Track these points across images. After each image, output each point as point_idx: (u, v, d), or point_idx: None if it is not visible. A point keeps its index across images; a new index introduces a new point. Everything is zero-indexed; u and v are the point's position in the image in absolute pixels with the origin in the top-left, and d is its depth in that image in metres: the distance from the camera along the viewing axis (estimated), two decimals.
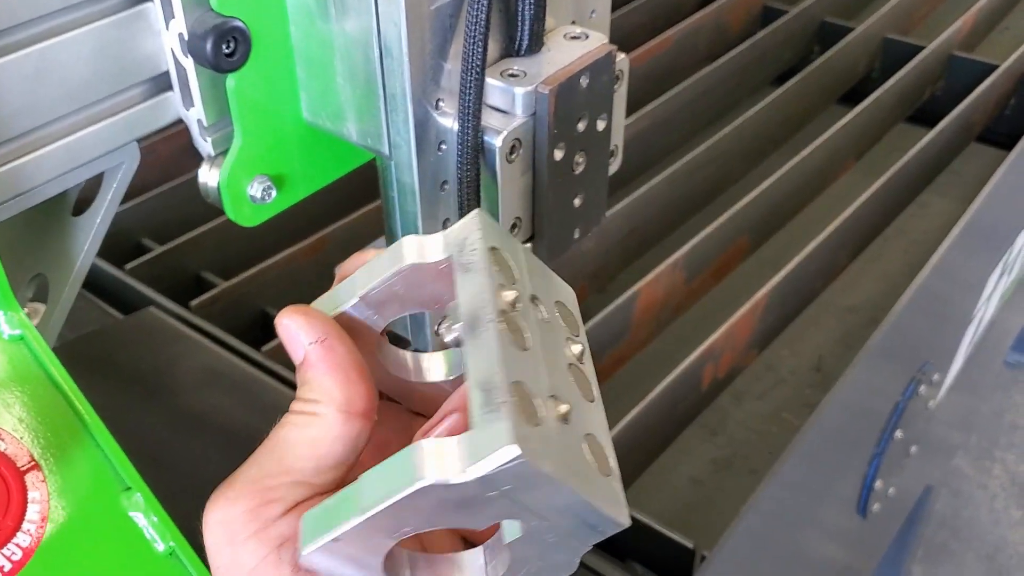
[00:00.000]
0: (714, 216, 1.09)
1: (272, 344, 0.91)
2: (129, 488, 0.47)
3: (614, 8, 1.45)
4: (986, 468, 2.34)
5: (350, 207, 1.07)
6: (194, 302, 0.96)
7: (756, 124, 1.27)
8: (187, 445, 0.80)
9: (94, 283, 1.00)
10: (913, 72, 1.36)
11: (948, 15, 1.59)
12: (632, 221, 1.13)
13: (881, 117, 1.36)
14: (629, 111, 1.26)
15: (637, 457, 0.89)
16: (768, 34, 1.41)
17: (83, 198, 0.55)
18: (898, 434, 1.07)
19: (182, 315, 0.92)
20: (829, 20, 1.51)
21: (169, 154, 1.13)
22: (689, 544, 0.74)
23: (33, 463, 0.44)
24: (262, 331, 1.01)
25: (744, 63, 1.38)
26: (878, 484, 1.09)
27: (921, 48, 1.40)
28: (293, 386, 0.84)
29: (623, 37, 1.42)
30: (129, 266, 1.01)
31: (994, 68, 1.36)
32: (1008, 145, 1.25)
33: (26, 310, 0.55)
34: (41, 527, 0.44)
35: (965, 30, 1.48)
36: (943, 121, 1.27)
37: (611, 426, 0.81)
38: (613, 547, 0.78)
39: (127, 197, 1.10)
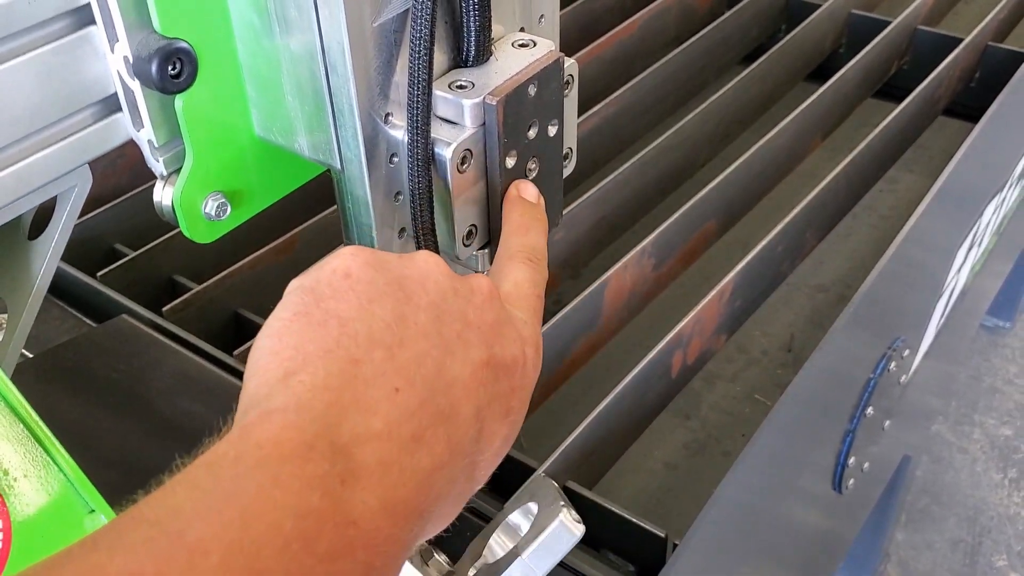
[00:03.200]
0: (683, 200, 1.10)
1: (244, 347, 0.91)
2: (93, 511, 0.47)
3: None
4: (966, 433, 2.37)
5: (318, 206, 1.07)
6: (166, 307, 0.96)
7: (724, 106, 1.28)
8: (161, 452, 0.80)
9: (67, 292, 1.00)
10: (879, 47, 1.37)
11: None
12: (602, 208, 1.14)
13: (848, 93, 1.36)
14: (597, 97, 1.26)
15: (610, 446, 0.90)
16: (735, 13, 1.42)
17: (38, 220, 0.56)
18: (870, 411, 1.08)
19: (155, 321, 0.92)
20: None
21: (139, 157, 1.12)
22: (661, 533, 0.75)
23: None
24: (235, 334, 1.01)
25: (711, 44, 1.38)
26: (852, 460, 1.10)
27: (887, 23, 1.40)
28: None
29: (592, 21, 1.43)
30: (101, 274, 1.01)
31: (959, 41, 1.37)
32: (974, 118, 1.26)
33: None
34: (4, 554, 0.44)
35: (929, 4, 1.48)
36: (909, 96, 1.28)
37: (583, 418, 0.82)
38: (587, 538, 0.79)
39: (98, 203, 1.10)
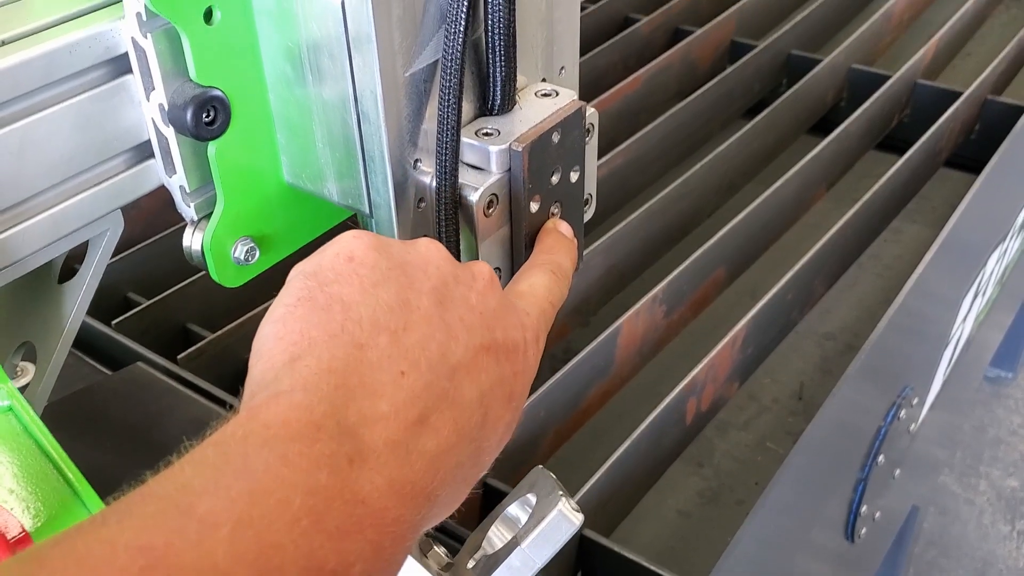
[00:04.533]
0: (691, 249, 1.11)
1: None
2: None
3: (587, 48, 1.48)
4: (972, 484, 2.35)
5: None
6: (181, 355, 0.97)
7: (729, 157, 1.30)
8: None
9: (82, 340, 1.01)
10: (880, 101, 1.39)
11: (911, 44, 1.63)
12: (611, 257, 1.15)
13: (851, 146, 1.38)
14: (604, 149, 1.28)
15: (626, 493, 0.89)
16: (737, 69, 1.44)
17: (68, 265, 0.56)
18: (881, 459, 1.08)
19: (169, 369, 0.93)
20: (796, 53, 1.54)
21: (153, 207, 1.14)
22: None
23: (23, 533, 0.45)
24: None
25: (715, 98, 1.41)
26: (864, 509, 1.10)
27: (887, 77, 1.43)
28: None
29: (596, 77, 1.45)
30: (116, 322, 1.01)
31: (958, 95, 1.40)
32: (976, 169, 1.28)
33: (17, 370, 0.56)
34: None
35: (928, 58, 1.51)
36: (911, 148, 1.30)
37: (597, 467, 0.82)
38: None
39: (113, 252, 1.11)
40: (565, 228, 0.56)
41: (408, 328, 0.39)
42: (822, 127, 1.43)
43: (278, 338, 0.39)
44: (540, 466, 0.74)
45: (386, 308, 0.40)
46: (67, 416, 0.86)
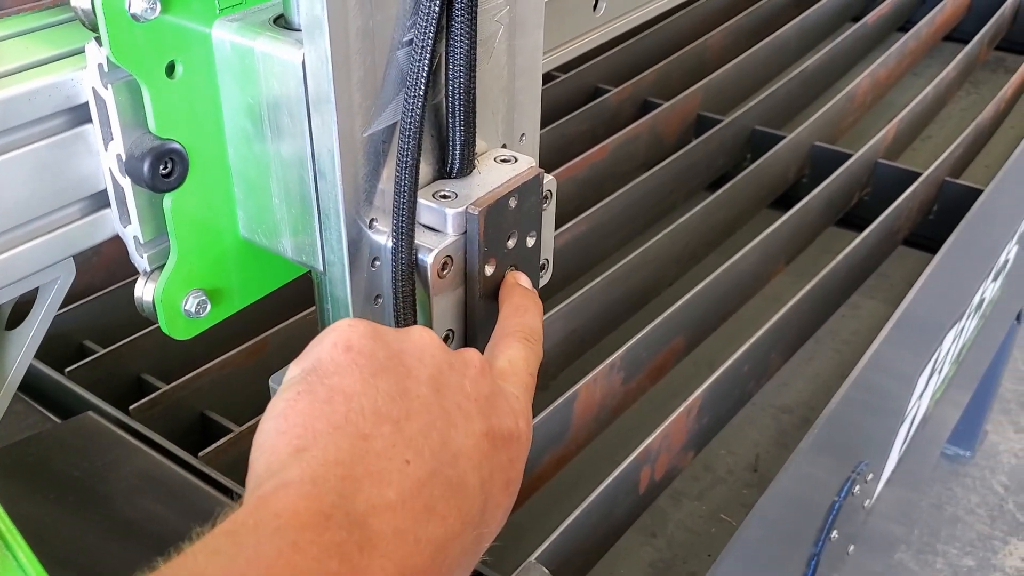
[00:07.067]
0: (651, 317, 1.12)
1: (210, 449, 0.90)
2: None
3: (556, 116, 1.50)
4: (928, 562, 2.35)
5: (290, 310, 1.08)
6: (133, 406, 0.95)
7: (691, 228, 1.31)
8: (120, 553, 0.79)
9: (33, 387, 0.99)
10: (841, 178, 1.42)
11: (873, 124, 1.67)
12: (572, 322, 1.15)
13: (811, 221, 1.41)
14: (570, 215, 1.29)
15: (576, 563, 0.89)
16: (702, 142, 1.47)
17: (17, 311, 0.56)
18: (835, 534, 1.08)
19: (121, 419, 0.92)
20: (760, 128, 1.57)
21: (115, 255, 1.13)
22: None
23: None
24: (201, 435, 1.00)
25: (680, 169, 1.43)
26: None
27: (848, 156, 1.46)
28: (228, 492, 0.84)
29: (565, 144, 1.47)
30: (69, 369, 1.00)
31: (917, 175, 1.43)
32: (933, 248, 1.31)
33: None
34: None
35: (889, 138, 1.55)
36: (870, 226, 1.33)
37: (548, 534, 0.82)
38: None
39: (70, 299, 1.10)
40: (525, 280, 0.57)
41: (410, 417, 0.40)
42: (784, 202, 1.46)
43: (280, 432, 0.39)
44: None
45: (387, 398, 0.40)
46: (11, 465, 0.84)
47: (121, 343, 1.04)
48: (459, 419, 0.42)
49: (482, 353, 0.50)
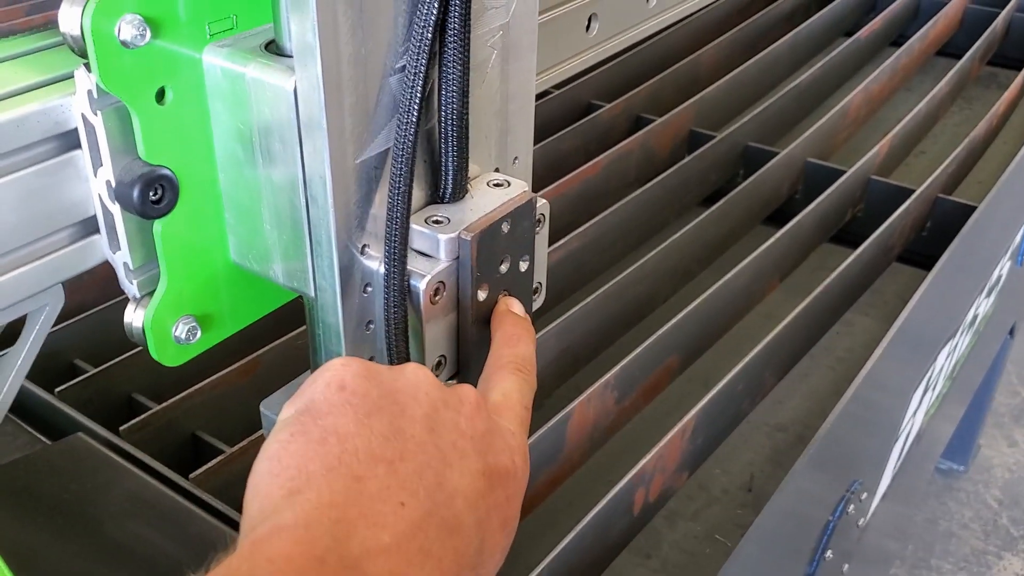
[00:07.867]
0: (645, 335, 1.11)
1: (200, 471, 0.90)
2: None
3: (549, 133, 1.50)
4: None
5: (282, 329, 1.07)
6: (124, 427, 0.95)
7: (684, 245, 1.31)
8: None
9: (23, 408, 0.98)
10: (834, 195, 1.42)
11: (866, 140, 1.67)
12: (566, 340, 1.15)
13: (804, 238, 1.41)
14: (563, 232, 1.29)
15: None
16: (695, 158, 1.47)
17: (5, 336, 0.55)
18: (829, 554, 1.08)
19: (111, 440, 0.91)
20: (753, 145, 1.57)
21: (108, 275, 1.12)
22: None
23: None
24: (192, 456, 0.99)
25: (672, 186, 1.43)
26: None
27: (842, 172, 1.46)
28: (219, 515, 0.83)
29: (558, 161, 1.47)
30: (59, 389, 0.99)
31: (911, 192, 1.43)
32: (927, 265, 1.31)
33: None
34: None
35: (882, 155, 1.55)
36: (864, 243, 1.32)
37: (543, 555, 0.81)
38: None
39: (63, 317, 1.09)
40: (518, 307, 0.56)
41: (404, 457, 0.40)
42: (777, 218, 1.45)
43: (274, 474, 0.39)
44: None
45: (381, 438, 0.40)
46: (0, 488, 0.83)
47: (112, 362, 1.03)
48: (454, 458, 0.41)
49: (475, 384, 0.49)
